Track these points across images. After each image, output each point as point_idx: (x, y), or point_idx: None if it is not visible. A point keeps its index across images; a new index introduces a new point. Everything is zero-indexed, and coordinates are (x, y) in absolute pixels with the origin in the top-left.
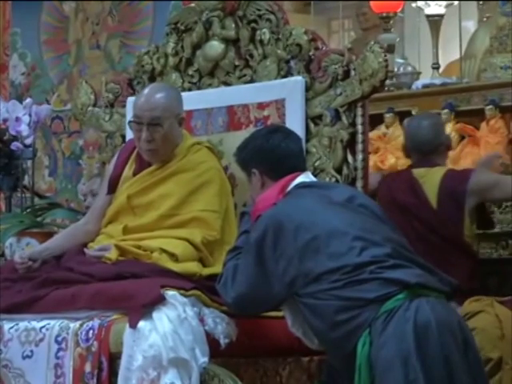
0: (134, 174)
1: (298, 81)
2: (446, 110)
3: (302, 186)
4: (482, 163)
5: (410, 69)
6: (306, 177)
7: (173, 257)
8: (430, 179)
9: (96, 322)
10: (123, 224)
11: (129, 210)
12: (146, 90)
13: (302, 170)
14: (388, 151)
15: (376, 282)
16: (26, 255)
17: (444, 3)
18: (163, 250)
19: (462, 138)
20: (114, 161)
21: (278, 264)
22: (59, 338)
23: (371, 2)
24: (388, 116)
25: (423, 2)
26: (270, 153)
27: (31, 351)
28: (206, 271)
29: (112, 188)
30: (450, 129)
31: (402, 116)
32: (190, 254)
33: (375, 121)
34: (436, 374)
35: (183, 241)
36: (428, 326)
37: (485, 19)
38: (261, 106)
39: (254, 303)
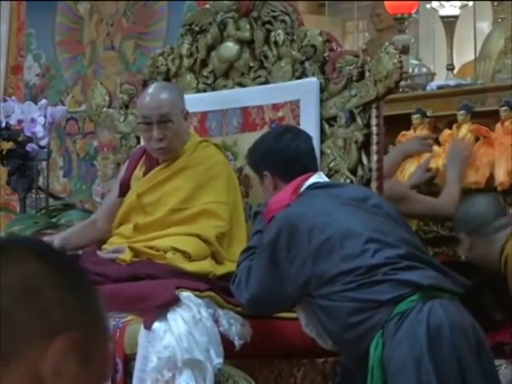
0: (144, 175)
1: (312, 82)
2: (462, 112)
3: (316, 186)
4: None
5: (424, 70)
6: (319, 177)
7: (186, 255)
8: None
9: (111, 323)
10: (134, 223)
11: (139, 208)
12: (150, 90)
13: (314, 170)
14: None
15: (389, 284)
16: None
17: (458, 4)
18: (175, 249)
19: (477, 138)
20: (126, 164)
21: (291, 265)
22: None
23: (386, 3)
24: (416, 117)
25: (438, 3)
26: (281, 155)
27: None
28: (220, 270)
29: (123, 191)
30: (466, 130)
31: None
32: (202, 251)
33: (398, 122)
34: (448, 376)
35: (194, 237)
36: (441, 327)
37: (499, 20)
38: (275, 107)
39: (267, 304)
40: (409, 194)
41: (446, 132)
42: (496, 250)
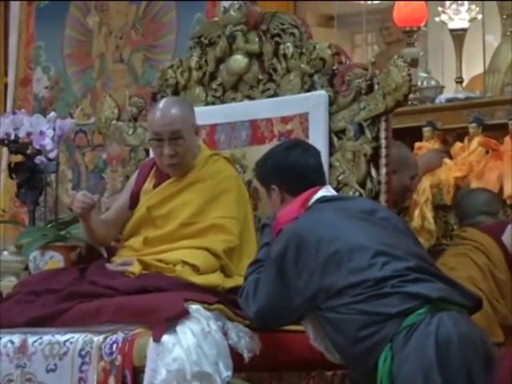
0: (154, 188)
1: (321, 95)
2: (473, 124)
3: (324, 200)
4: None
5: (433, 83)
6: (326, 191)
7: (195, 268)
8: None
9: (120, 336)
10: (144, 236)
11: (149, 221)
12: (160, 105)
13: (322, 184)
14: None
15: (397, 297)
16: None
17: (467, 17)
18: (185, 262)
19: (487, 151)
20: (135, 176)
21: (299, 278)
22: (83, 352)
23: (395, 16)
24: (426, 130)
25: (447, 17)
26: (289, 169)
27: (55, 365)
28: (229, 283)
29: (132, 203)
30: (476, 143)
31: None
32: (211, 264)
33: (407, 135)
34: None
35: (203, 250)
36: (450, 340)
37: (508, 33)
38: (284, 120)
39: (275, 317)
40: None
41: (458, 145)
42: None
